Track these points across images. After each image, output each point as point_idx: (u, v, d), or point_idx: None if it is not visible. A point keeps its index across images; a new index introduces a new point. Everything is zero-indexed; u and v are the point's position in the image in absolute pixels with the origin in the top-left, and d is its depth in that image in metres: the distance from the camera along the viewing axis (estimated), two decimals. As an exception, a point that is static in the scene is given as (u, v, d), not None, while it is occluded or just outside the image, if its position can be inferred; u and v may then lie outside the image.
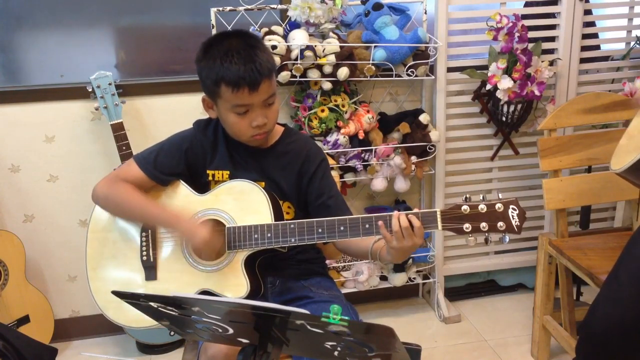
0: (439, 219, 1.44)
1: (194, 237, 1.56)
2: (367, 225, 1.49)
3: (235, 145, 1.67)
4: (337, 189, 1.72)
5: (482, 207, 1.43)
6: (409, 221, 1.43)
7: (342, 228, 1.50)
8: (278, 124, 1.73)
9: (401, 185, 2.63)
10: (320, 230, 1.52)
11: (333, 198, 1.67)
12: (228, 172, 1.66)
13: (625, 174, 1.72)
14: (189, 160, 1.68)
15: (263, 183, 1.65)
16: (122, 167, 1.74)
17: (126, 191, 1.63)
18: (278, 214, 1.60)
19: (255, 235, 1.56)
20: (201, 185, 1.68)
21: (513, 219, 1.44)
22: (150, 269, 1.64)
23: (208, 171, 1.68)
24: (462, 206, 1.43)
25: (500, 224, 1.43)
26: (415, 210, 1.46)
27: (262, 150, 1.68)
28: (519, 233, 1.45)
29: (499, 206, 1.43)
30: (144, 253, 1.65)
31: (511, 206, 1.44)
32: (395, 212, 1.45)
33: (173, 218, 1.61)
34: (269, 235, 1.55)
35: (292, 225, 1.54)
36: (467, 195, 1.45)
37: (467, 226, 1.43)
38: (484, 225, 1.43)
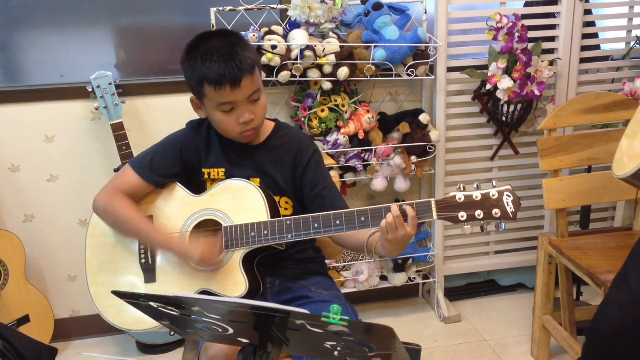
0: (434, 209, 1.44)
1: (189, 258, 1.57)
2: (362, 219, 1.49)
3: (228, 142, 1.67)
4: (331, 179, 1.72)
5: (477, 196, 1.43)
6: (404, 211, 1.43)
7: (338, 222, 1.50)
8: (269, 119, 1.73)
9: (401, 185, 2.63)
10: (316, 225, 1.52)
11: (327, 189, 1.67)
12: (224, 170, 1.67)
13: (631, 179, 1.70)
14: (184, 160, 1.68)
15: (258, 180, 1.65)
16: (119, 175, 1.72)
17: (123, 209, 1.62)
18: (274, 211, 1.60)
19: (252, 233, 1.56)
20: (198, 185, 1.68)
21: (508, 205, 1.43)
22: (149, 272, 1.64)
23: (204, 170, 1.68)
24: (457, 195, 1.43)
25: (495, 211, 1.43)
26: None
27: (255, 146, 1.69)
28: (514, 219, 1.44)
29: (493, 193, 1.43)
30: (143, 256, 1.65)
31: (506, 193, 1.44)
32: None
33: (165, 241, 1.60)
34: (265, 232, 1.55)
35: (288, 222, 1.54)
36: (462, 185, 1.45)
37: (462, 215, 1.43)
38: (479, 213, 1.43)
